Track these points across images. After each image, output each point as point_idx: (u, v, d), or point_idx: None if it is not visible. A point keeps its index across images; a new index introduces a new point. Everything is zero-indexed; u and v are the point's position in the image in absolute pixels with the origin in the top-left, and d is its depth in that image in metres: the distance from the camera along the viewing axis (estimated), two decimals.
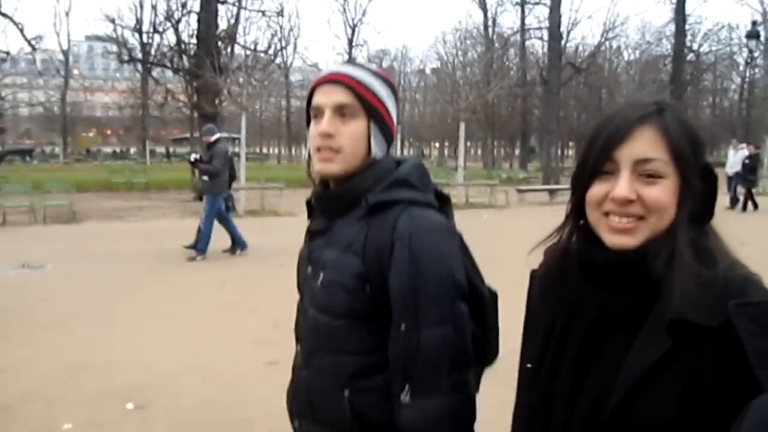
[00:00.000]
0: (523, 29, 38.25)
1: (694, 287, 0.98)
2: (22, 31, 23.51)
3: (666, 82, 28.32)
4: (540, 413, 1.17)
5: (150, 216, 16.03)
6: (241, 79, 17.33)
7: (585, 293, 1.12)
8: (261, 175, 21.97)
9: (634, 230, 1.05)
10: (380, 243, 1.35)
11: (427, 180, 1.48)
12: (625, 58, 36.98)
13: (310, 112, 1.47)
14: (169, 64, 20.09)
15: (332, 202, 1.48)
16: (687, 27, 32.12)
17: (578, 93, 35.51)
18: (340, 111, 1.41)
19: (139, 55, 23.89)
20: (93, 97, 57.86)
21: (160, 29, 19.43)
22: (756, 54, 29.11)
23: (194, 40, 19.34)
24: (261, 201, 16.53)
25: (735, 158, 18.07)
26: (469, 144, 52.59)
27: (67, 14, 67.01)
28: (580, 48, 34.62)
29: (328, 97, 1.42)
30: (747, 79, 39.67)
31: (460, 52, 48.68)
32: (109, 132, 69.00)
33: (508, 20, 41.73)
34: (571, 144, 45.59)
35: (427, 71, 57.54)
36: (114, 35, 25.24)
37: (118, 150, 65.28)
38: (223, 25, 19.65)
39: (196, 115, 20.51)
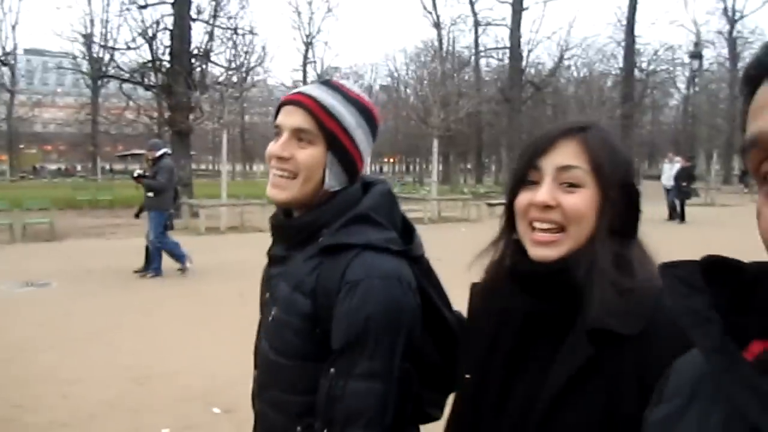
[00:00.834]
0: (477, 49, 39.50)
1: (613, 296, 1.01)
2: None
3: (618, 101, 29.73)
4: (470, 422, 1.19)
5: (129, 233, 15.83)
6: (217, 95, 17.44)
7: (513, 303, 1.15)
8: (243, 191, 21.89)
9: (556, 243, 1.09)
10: (329, 287, 1.30)
11: (394, 211, 1.43)
12: (580, 76, 38.51)
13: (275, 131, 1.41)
14: (140, 80, 19.96)
15: (289, 233, 1.43)
16: (636, 47, 33.86)
17: (537, 111, 36.78)
18: (298, 135, 1.35)
19: (109, 71, 23.46)
20: (39, 113, 56.10)
21: (133, 45, 19.31)
22: (696, 72, 30.73)
23: (167, 57, 19.30)
24: (241, 217, 16.59)
25: (671, 171, 18.59)
26: (421, 159, 53.46)
27: (13, 27, 64.85)
28: (540, 67, 35.91)
29: (288, 119, 1.36)
30: (689, 97, 41.94)
31: (411, 71, 49.76)
32: (50, 148, 66.96)
33: (464, 40, 42.96)
34: None
35: (376, 88, 58.08)
36: (64, 51, 24.71)
37: (62, 167, 63.55)
38: (196, 42, 19.68)
39: (168, 131, 20.39)
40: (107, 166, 54.08)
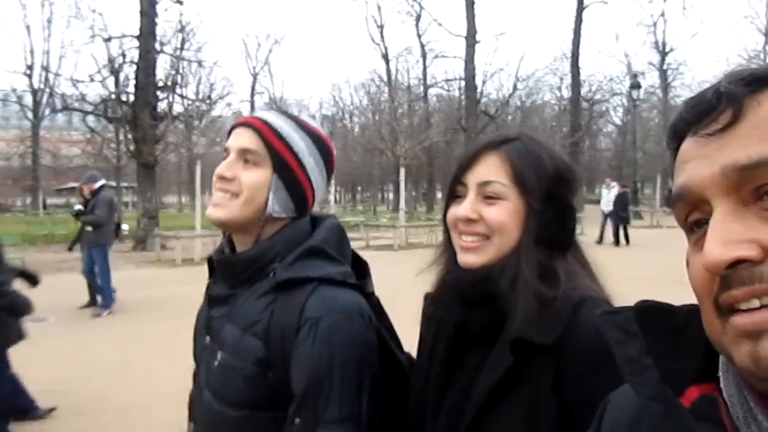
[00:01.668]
0: (425, 81, 40.68)
1: (535, 307, 1.02)
2: None
3: (563, 129, 31.20)
4: (414, 428, 1.21)
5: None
6: (182, 127, 17.52)
7: (448, 312, 1.18)
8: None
9: (479, 249, 1.12)
10: (286, 325, 1.22)
11: (345, 246, 1.38)
12: (527, 105, 40.16)
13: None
14: (104, 113, 19.83)
15: (236, 269, 1.33)
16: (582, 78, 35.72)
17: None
18: (245, 156, 1.31)
19: (56, 104, 23.16)
20: None
21: (97, 78, 19.22)
22: (636, 101, 32.43)
23: (132, 90, 19.27)
24: (214, 247, 16.50)
25: (608, 196, 18.70)
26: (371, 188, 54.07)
27: None
28: (491, 98, 37.38)
29: (236, 140, 1.32)
30: (627, 124, 44.22)
31: (357, 101, 50.63)
32: None
33: (412, 72, 44.25)
34: None
35: (316, 118, 58.73)
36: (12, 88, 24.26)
37: None
38: (161, 74, 19.72)
39: (130, 163, 20.22)
40: (46, 201, 52.54)
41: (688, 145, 0.59)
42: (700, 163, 0.57)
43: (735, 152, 0.54)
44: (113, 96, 19.11)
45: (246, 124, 1.33)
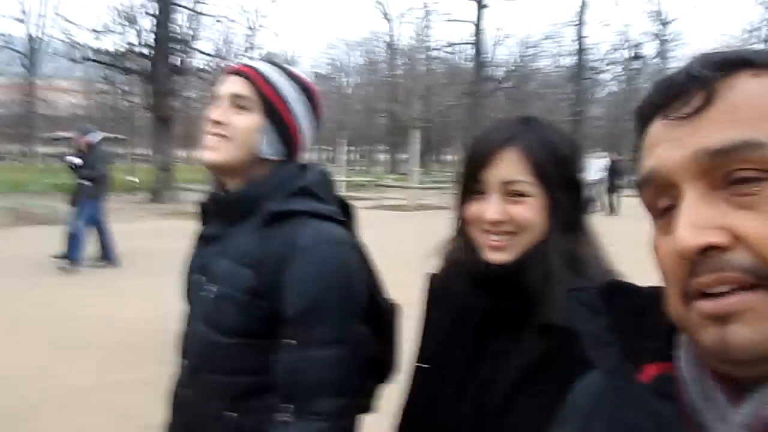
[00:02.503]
0: (427, 44, 40.67)
1: (564, 293, 0.99)
2: None
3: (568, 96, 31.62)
4: (427, 413, 1.22)
5: (125, 218, 15.87)
6: (199, 82, 17.66)
7: (472, 299, 1.17)
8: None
9: (507, 248, 1.12)
10: (277, 256, 1.27)
11: (332, 190, 1.43)
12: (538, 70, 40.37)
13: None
14: (119, 66, 19.89)
15: (229, 207, 1.39)
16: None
17: (495, 103, 38.38)
18: (236, 102, 1.36)
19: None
20: None
21: (116, 30, 19.23)
22: (637, 71, 32.68)
23: (151, 43, 19.33)
24: None
25: (595, 166, 18.44)
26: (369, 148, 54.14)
27: None
28: (500, 62, 37.43)
29: (227, 87, 1.37)
30: (622, 94, 44.60)
31: (353, 59, 50.26)
32: None
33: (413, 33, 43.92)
34: None
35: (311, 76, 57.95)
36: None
37: None
38: (178, 28, 19.77)
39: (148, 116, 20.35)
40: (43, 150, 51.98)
41: (658, 128, 0.59)
42: (670, 146, 0.56)
43: (706, 136, 0.54)
44: (130, 48, 19.12)
45: (237, 71, 1.39)
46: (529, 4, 56.57)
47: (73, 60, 20.17)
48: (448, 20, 36.18)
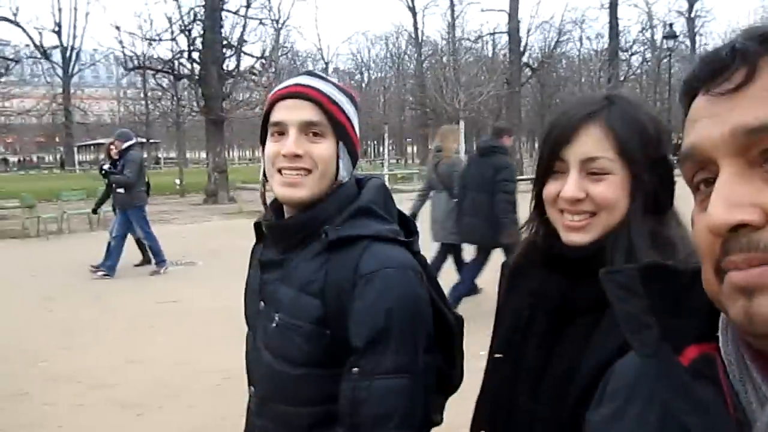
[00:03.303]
0: (453, 33, 40.76)
1: None
2: None
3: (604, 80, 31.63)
4: (504, 401, 1.19)
5: (184, 219, 16.41)
6: (248, 84, 18.15)
7: (548, 283, 1.15)
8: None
9: (586, 228, 1.08)
10: (342, 283, 1.25)
11: (390, 205, 1.39)
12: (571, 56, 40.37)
13: (269, 129, 1.33)
14: (169, 71, 20.49)
15: (289, 233, 1.35)
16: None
17: (533, 92, 38.52)
18: (309, 130, 1.29)
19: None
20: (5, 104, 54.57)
21: (166, 37, 19.84)
22: (671, 52, 32.56)
23: (199, 47, 19.90)
24: None
25: None
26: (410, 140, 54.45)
27: None
28: (538, 50, 37.51)
29: (293, 114, 1.28)
30: (650, 74, 44.42)
31: (373, 53, 50.25)
32: (9, 140, 64.92)
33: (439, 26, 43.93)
34: (523, 139, 48.85)
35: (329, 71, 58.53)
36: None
37: (21, 159, 62.06)
38: (227, 33, 20.34)
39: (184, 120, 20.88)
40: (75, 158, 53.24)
41: (700, 103, 0.58)
42: (710, 122, 0.55)
43: (745, 113, 0.53)
44: (181, 54, 19.69)
45: (299, 95, 1.30)
46: None
47: (124, 68, 20.74)
48: (482, 10, 36.66)
